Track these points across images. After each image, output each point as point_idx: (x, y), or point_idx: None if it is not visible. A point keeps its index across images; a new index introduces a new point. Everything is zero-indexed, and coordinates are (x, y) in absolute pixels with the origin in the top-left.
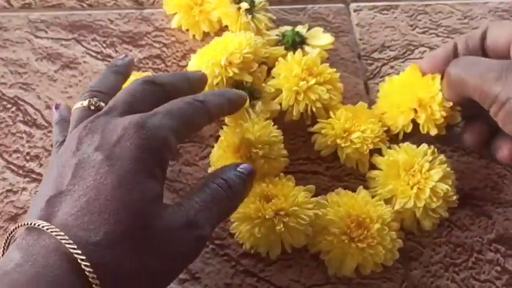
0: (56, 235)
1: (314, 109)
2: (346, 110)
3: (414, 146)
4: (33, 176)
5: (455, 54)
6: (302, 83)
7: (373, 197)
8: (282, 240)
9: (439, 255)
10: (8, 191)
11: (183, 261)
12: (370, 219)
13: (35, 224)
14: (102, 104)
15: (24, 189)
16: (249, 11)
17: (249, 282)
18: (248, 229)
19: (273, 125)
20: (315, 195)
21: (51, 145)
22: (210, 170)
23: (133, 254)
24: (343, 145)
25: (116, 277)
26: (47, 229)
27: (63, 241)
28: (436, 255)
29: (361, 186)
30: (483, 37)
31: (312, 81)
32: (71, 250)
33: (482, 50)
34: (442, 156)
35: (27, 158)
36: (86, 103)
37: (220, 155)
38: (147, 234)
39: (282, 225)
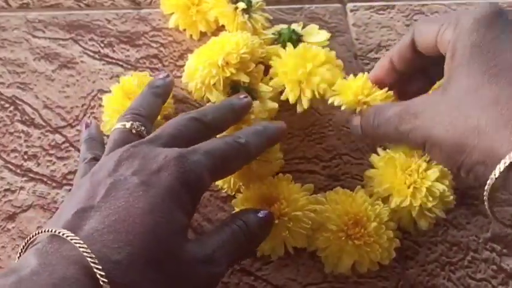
0: (79, 247)
1: (321, 91)
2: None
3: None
4: (31, 175)
5: (393, 68)
6: (301, 70)
7: (370, 195)
8: (284, 242)
9: (435, 254)
10: (5, 190)
11: None
12: (368, 218)
13: (59, 233)
14: (143, 128)
15: (22, 188)
16: (246, 10)
17: (246, 281)
18: None
19: None
20: (311, 195)
21: (49, 144)
22: None
23: (152, 279)
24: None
25: None
26: (71, 239)
27: (85, 254)
28: (432, 254)
29: (359, 186)
30: (412, 41)
31: (310, 65)
32: (92, 264)
33: (416, 54)
34: None
35: (25, 157)
36: (128, 125)
37: None
38: (167, 262)
39: (287, 232)
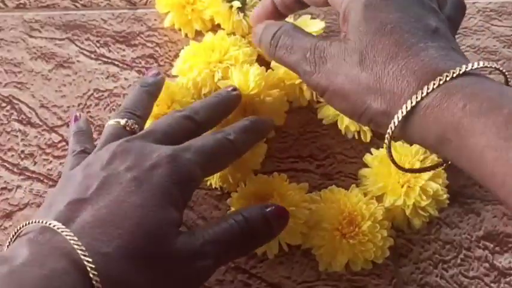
0: (69, 239)
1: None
2: None
3: (406, 145)
4: (28, 173)
5: (275, 9)
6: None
7: (364, 194)
8: (279, 239)
9: (428, 252)
10: (2, 188)
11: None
12: (362, 217)
13: (50, 224)
14: (137, 126)
15: (18, 186)
16: (241, 9)
17: (240, 278)
18: None
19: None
20: (306, 193)
21: (45, 143)
22: None
23: (141, 272)
24: (342, 115)
25: None
26: (62, 232)
27: (75, 246)
28: (426, 252)
29: (354, 185)
30: None
31: None
32: (82, 257)
33: (301, 3)
34: (433, 156)
35: (22, 156)
36: (122, 122)
37: None
38: (157, 255)
39: None
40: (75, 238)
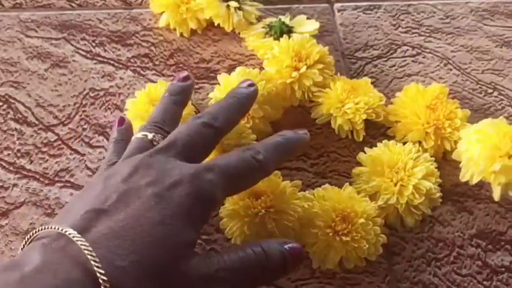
0: (84, 249)
1: (310, 95)
2: (345, 83)
3: (399, 144)
4: (24, 172)
5: None
6: (294, 73)
7: (358, 193)
8: (271, 236)
9: (421, 250)
10: None
11: None
12: (355, 214)
13: (66, 232)
14: None
15: (15, 185)
16: (238, 8)
17: None
18: (238, 226)
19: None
20: (299, 192)
21: (41, 142)
22: None
23: None
24: (335, 114)
25: None
26: (77, 241)
27: (89, 257)
28: (419, 250)
29: (347, 183)
30: None
31: (303, 68)
32: (95, 268)
33: None
34: (426, 155)
35: (18, 154)
36: (150, 136)
37: None
38: (170, 275)
39: (273, 224)
40: (90, 248)
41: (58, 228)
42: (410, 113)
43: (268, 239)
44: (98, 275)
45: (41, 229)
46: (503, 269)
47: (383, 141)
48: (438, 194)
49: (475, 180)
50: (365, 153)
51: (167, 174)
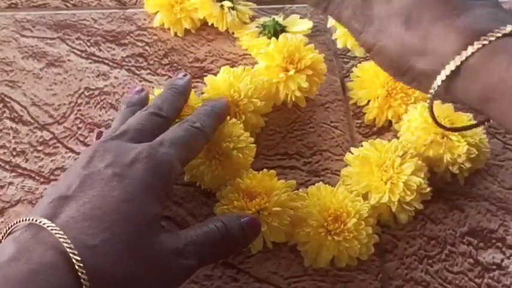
0: (55, 233)
1: (293, 98)
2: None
3: (385, 142)
4: (19, 170)
5: None
6: (282, 74)
7: (350, 191)
8: (263, 236)
9: (414, 248)
10: None
11: (166, 283)
12: (348, 214)
13: (36, 221)
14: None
15: (10, 183)
16: (232, 7)
17: (229, 274)
18: None
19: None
20: (293, 190)
21: (37, 141)
22: None
23: (125, 265)
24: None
25: (106, 283)
26: (47, 226)
27: (61, 240)
28: (411, 248)
29: (341, 182)
30: None
31: (292, 71)
32: (68, 250)
33: None
34: (412, 150)
35: (14, 153)
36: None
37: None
38: (141, 249)
39: (265, 227)
40: (61, 232)
41: (28, 219)
42: (371, 77)
43: (227, 214)
44: (71, 255)
45: (14, 223)
46: (494, 267)
47: (369, 141)
48: (428, 189)
49: None
50: (352, 153)
51: (124, 154)
